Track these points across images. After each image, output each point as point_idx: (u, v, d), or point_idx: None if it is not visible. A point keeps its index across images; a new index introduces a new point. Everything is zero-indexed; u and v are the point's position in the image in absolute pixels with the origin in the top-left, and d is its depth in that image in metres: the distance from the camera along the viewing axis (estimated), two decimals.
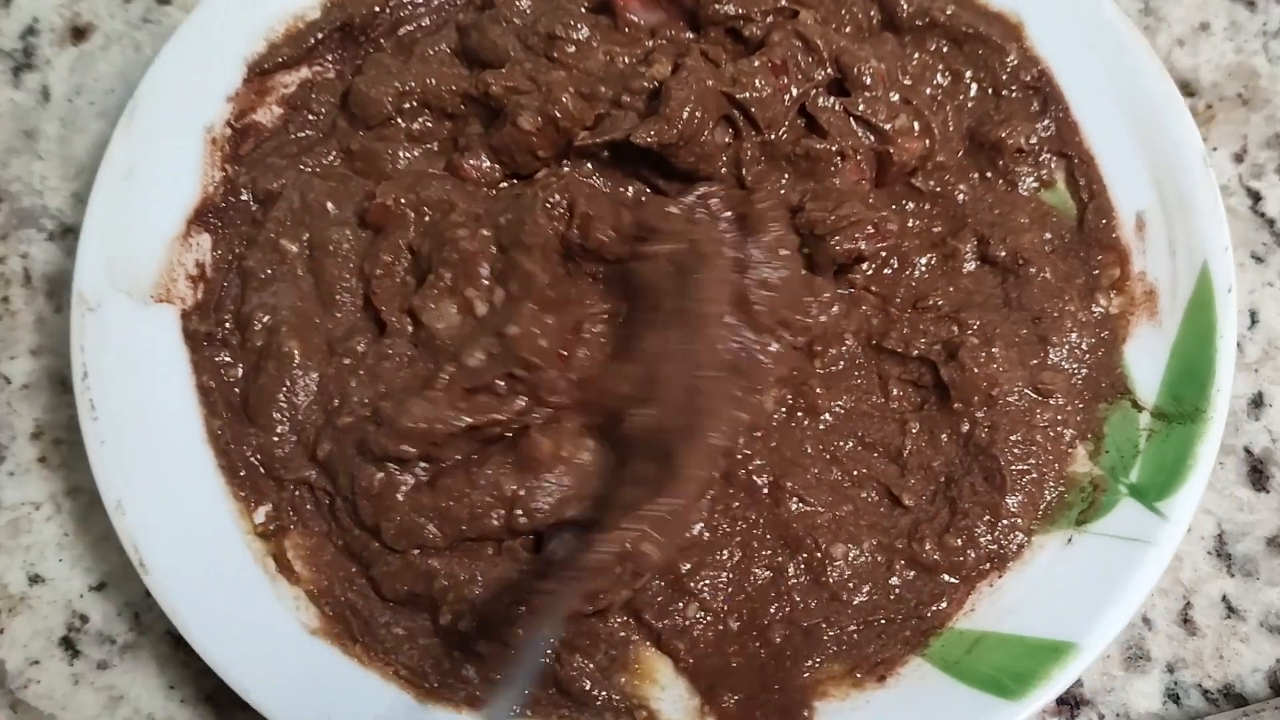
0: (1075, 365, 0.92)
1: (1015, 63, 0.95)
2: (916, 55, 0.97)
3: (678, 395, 0.83)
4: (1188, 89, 1.08)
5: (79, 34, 1.12)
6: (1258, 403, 1.01)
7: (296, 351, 0.92)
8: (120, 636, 0.97)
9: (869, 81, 0.92)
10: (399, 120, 0.97)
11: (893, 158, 0.93)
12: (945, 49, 0.97)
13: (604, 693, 0.88)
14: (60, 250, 1.06)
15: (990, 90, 0.96)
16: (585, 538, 0.81)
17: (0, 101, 1.10)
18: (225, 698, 0.91)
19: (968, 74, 0.96)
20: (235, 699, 0.84)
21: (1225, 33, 1.09)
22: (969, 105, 0.97)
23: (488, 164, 0.95)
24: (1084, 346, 0.92)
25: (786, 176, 0.93)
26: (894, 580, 0.89)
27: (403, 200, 0.93)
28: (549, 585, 0.81)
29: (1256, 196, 1.05)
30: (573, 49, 0.93)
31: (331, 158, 0.98)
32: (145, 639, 0.97)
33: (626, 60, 0.93)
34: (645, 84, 0.91)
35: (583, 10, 0.96)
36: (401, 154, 0.97)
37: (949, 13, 0.96)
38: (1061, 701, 0.94)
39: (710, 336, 0.85)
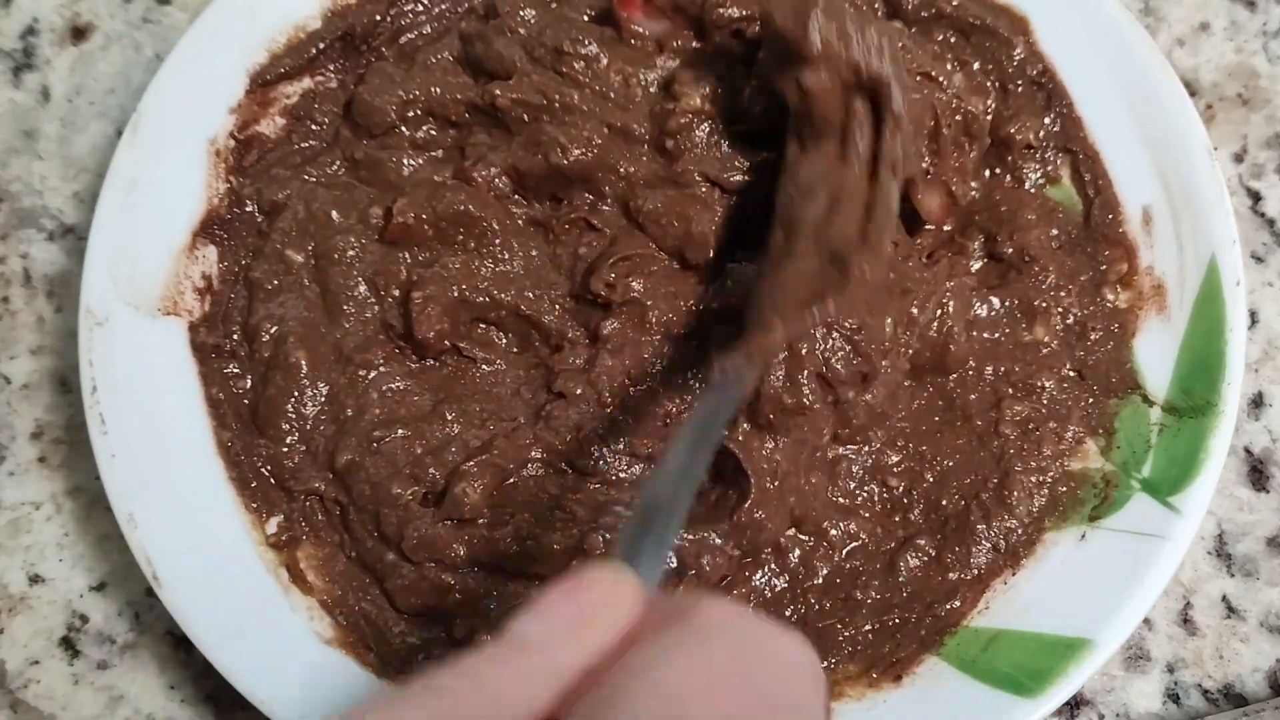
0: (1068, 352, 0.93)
1: (1022, 56, 0.95)
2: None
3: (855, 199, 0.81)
4: (1188, 89, 1.07)
5: (79, 34, 1.12)
6: (1258, 403, 1.01)
7: (304, 362, 0.92)
8: (120, 636, 0.97)
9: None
10: (403, 128, 0.96)
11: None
12: (953, 39, 0.97)
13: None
14: (60, 250, 1.06)
15: (996, 84, 0.96)
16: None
17: (0, 101, 1.10)
18: (225, 698, 0.92)
19: (975, 65, 0.96)
20: (235, 699, 0.84)
21: (1225, 33, 1.09)
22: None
23: (498, 174, 0.95)
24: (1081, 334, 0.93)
25: None
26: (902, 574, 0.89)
27: (423, 216, 0.92)
28: (723, 373, 0.75)
29: (1256, 196, 1.05)
30: (581, 64, 0.93)
31: (335, 167, 0.98)
32: (145, 639, 0.97)
33: (644, 82, 0.93)
34: (681, 120, 0.91)
35: (586, 19, 0.96)
36: (406, 162, 0.97)
37: (955, 3, 0.96)
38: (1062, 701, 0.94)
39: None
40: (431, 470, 0.89)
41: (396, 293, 0.93)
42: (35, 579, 0.99)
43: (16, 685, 0.96)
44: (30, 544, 0.99)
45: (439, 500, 0.89)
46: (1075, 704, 0.94)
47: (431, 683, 0.44)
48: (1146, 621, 0.96)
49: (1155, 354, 0.91)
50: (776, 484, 0.86)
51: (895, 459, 0.92)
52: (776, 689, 0.46)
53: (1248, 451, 0.99)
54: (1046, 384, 0.92)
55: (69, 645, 0.97)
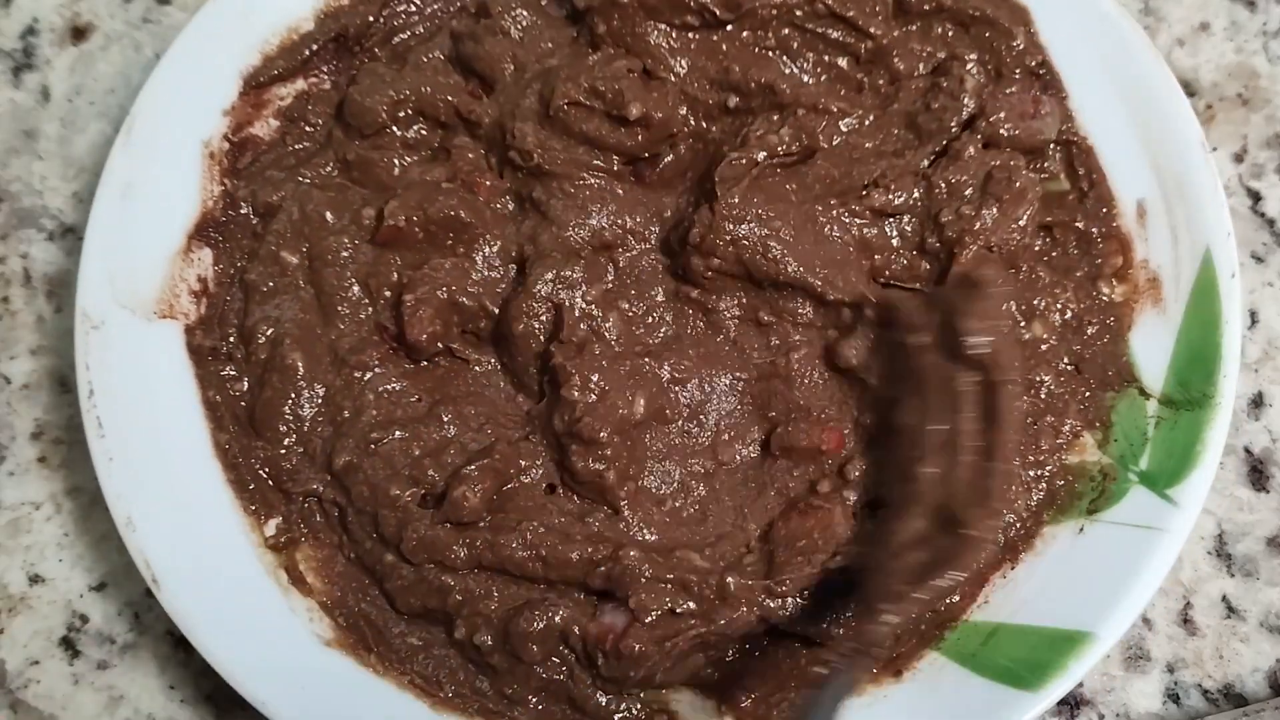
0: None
1: (1021, 47, 0.95)
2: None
3: (971, 464, 0.82)
4: (1188, 89, 1.08)
5: (79, 34, 1.12)
6: (1258, 403, 1.01)
7: (300, 364, 0.92)
8: (120, 636, 0.98)
9: None
10: (394, 129, 0.97)
11: None
12: (951, 33, 0.96)
13: (624, 705, 0.88)
14: (60, 250, 1.06)
15: (993, 73, 0.96)
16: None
17: (0, 101, 1.10)
18: (225, 698, 0.92)
19: (972, 57, 0.95)
20: (235, 699, 0.84)
21: (1225, 33, 1.09)
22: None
23: (498, 180, 0.96)
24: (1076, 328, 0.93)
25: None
26: None
27: (413, 219, 0.92)
28: (834, 661, 0.79)
29: (1256, 196, 1.05)
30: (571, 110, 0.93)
31: (329, 168, 0.98)
32: (145, 639, 0.97)
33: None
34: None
35: (572, 37, 0.97)
36: (397, 162, 0.97)
37: None
38: (1061, 701, 0.94)
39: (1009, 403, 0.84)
40: (431, 472, 0.89)
41: (388, 294, 0.93)
42: (35, 579, 0.99)
43: (16, 685, 0.96)
44: (30, 544, 0.99)
45: (438, 502, 0.89)
46: (1075, 704, 0.94)
47: None
48: (1146, 621, 0.96)
49: (1151, 347, 0.91)
50: None
51: None
52: None
53: (1248, 451, 0.99)
54: (1044, 379, 0.92)
55: (69, 645, 0.97)
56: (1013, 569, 0.89)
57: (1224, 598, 0.97)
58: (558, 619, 0.86)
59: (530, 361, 0.91)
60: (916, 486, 0.82)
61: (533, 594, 0.88)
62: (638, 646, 0.84)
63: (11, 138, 1.09)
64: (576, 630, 0.86)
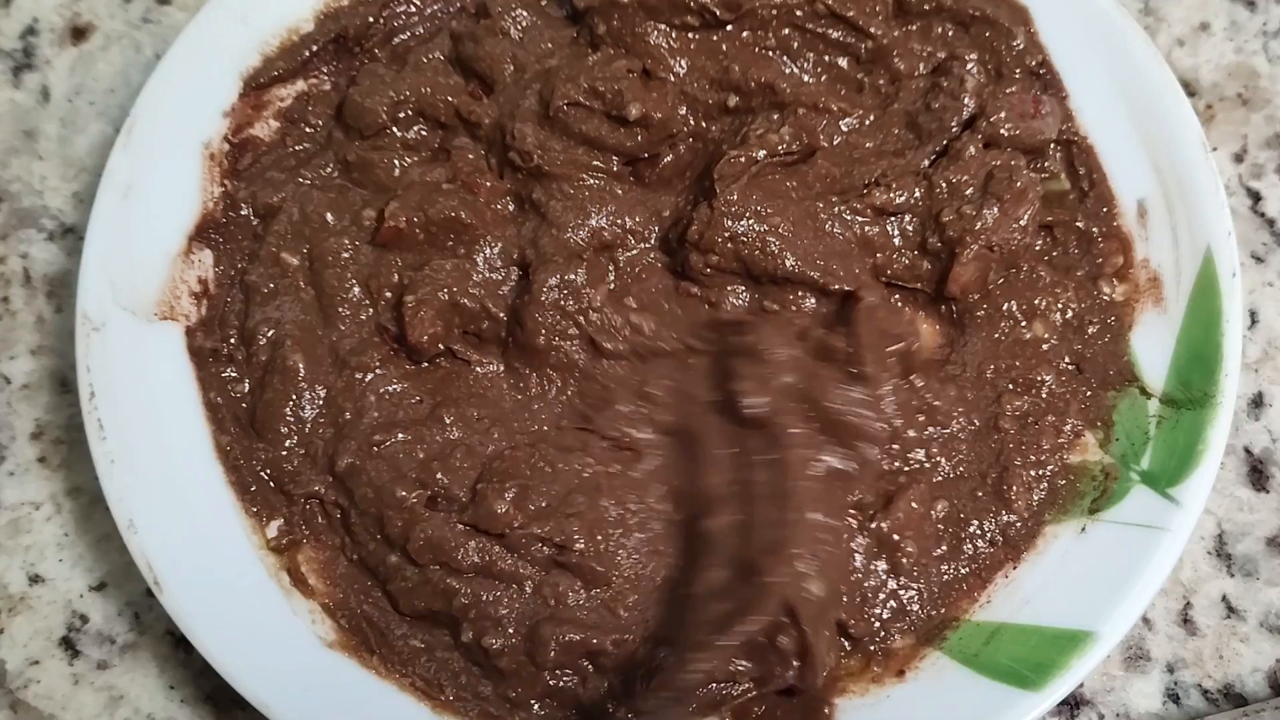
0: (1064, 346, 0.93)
1: (1021, 46, 0.95)
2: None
3: (766, 509, 0.84)
4: (1188, 89, 1.08)
5: (79, 34, 1.12)
6: (1258, 403, 1.01)
7: (301, 365, 0.92)
8: (120, 636, 0.97)
9: None
10: (394, 129, 0.97)
11: None
12: (951, 33, 0.96)
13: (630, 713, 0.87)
14: (60, 250, 1.06)
15: (994, 72, 0.96)
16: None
17: (0, 101, 1.10)
18: (225, 698, 0.92)
19: (972, 56, 0.95)
20: (235, 699, 0.84)
21: (1225, 33, 1.09)
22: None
23: (498, 181, 0.96)
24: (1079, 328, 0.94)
25: None
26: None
27: (414, 220, 0.92)
28: (648, 706, 0.81)
29: (1256, 196, 1.05)
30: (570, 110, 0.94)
31: (329, 170, 0.98)
32: (145, 639, 0.97)
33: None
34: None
35: (572, 37, 0.97)
36: (397, 163, 0.97)
37: None
38: (1061, 701, 0.93)
39: (798, 456, 0.85)
40: (439, 475, 0.88)
41: (389, 295, 0.93)
42: (35, 579, 0.99)
43: (16, 685, 0.96)
44: (30, 544, 0.99)
45: (465, 508, 0.89)
46: (1075, 704, 0.94)
47: None
48: (1146, 621, 0.96)
49: (1152, 346, 0.91)
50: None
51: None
52: None
53: (1248, 451, 1.00)
54: (1045, 378, 0.92)
55: (69, 645, 0.97)
56: (1015, 569, 0.89)
57: (1224, 598, 0.97)
58: (594, 641, 0.86)
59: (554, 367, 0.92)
60: (710, 538, 0.85)
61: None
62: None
63: (11, 138, 1.09)
64: (612, 648, 0.86)
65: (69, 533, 1.00)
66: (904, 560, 0.88)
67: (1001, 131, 0.92)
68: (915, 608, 0.89)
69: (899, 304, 0.94)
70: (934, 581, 0.89)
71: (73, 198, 1.07)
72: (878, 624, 0.88)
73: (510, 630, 0.86)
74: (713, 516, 0.86)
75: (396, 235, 0.92)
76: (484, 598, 0.87)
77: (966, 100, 0.93)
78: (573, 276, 0.90)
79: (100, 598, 0.98)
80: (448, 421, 0.91)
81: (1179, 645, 0.96)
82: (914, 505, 0.89)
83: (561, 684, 0.86)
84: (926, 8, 0.95)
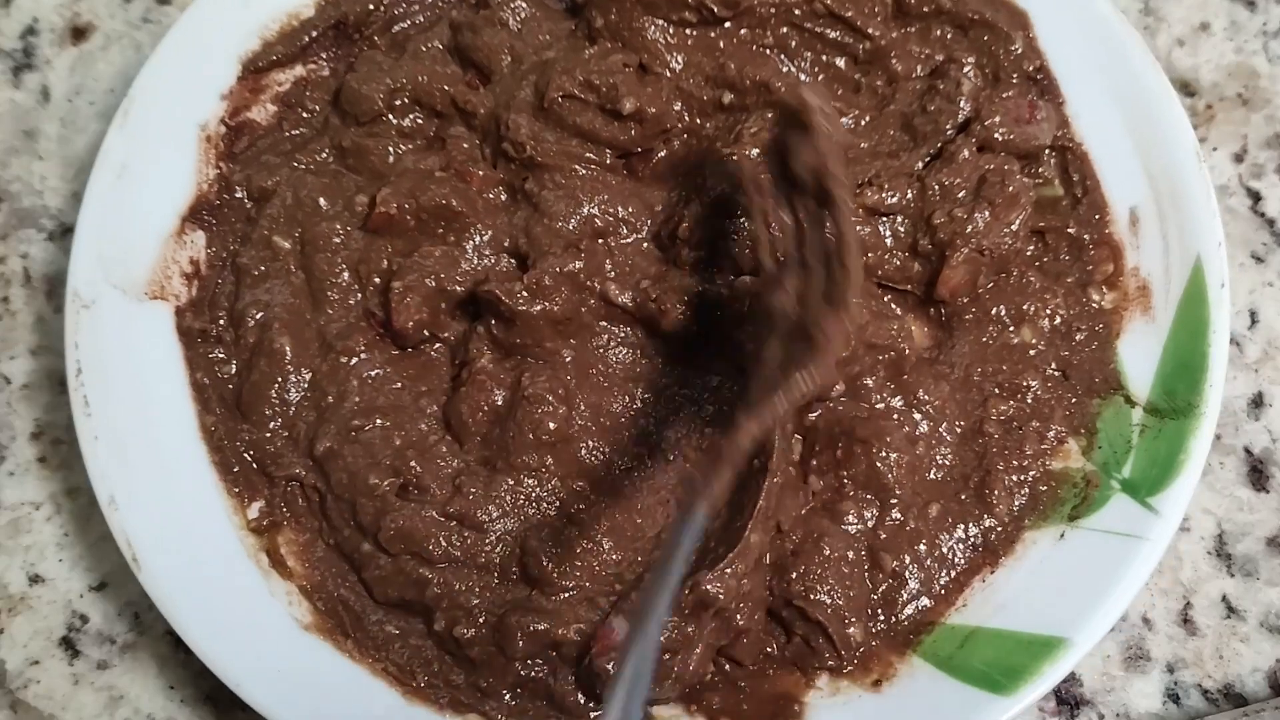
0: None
1: (1019, 51, 0.95)
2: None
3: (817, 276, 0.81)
4: (1188, 89, 1.07)
5: (79, 34, 1.12)
6: (1258, 403, 1.00)
7: (288, 348, 0.92)
8: (120, 636, 0.97)
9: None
10: (390, 117, 0.97)
11: None
12: (950, 36, 0.96)
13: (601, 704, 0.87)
14: (60, 250, 1.06)
15: (990, 77, 0.96)
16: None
17: (0, 101, 1.10)
18: (225, 698, 0.91)
19: (970, 60, 0.96)
20: (235, 699, 0.84)
21: (1225, 33, 1.09)
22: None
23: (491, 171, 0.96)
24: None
25: None
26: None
27: (405, 207, 0.93)
28: (698, 478, 0.76)
29: (1256, 196, 1.05)
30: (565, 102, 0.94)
31: (324, 155, 0.98)
32: (145, 639, 0.97)
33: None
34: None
35: (570, 30, 0.98)
36: (392, 150, 0.97)
37: None
38: (1062, 701, 0.94)
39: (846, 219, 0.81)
40: (413, 464, 0.89)
41: (377, 281, 0.93)
42: (35, 579, 0.99)
43: (16, 685, 0.96)
44: (30, 544, 1.00)
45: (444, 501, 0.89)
46: (1075, 704, 0.94)
47: None
48: (1146, 621, 0.96)
49: (1139, 355, 0.91)
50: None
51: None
52: None
53: (1248, 451, 0.99)
54: (1032, 384, 0.92)
55: (69, 645, 0.97)
56: (992, 573, 0.89)
57: (1224, 598, 0.96)
58: (560, 632, 0.85)
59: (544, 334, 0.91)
60: (771, 317, 0.81)
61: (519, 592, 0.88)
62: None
63: (11, 138, 1.09)
64: (575, 637, 0.85)
65: (69, 533, 1.00)
66: (891, 564, 0.88)
67: (996, 136, 0.92)
68: (893, 609, 0.89)
69: (890, 306, 0.94)
70: (913, 583, 0.89)
71: (72, 198, 1.07)
72: (852, 625, 0.87)
73: (481, 620, 0.86)
74: (771, 293, 0.82)
75: (388, 221, 0.93)
76: (456, 587, 0.87)
77: (963, 104, 0.93)
78: (572, 266, 0.90)
79: (100, 598, 0.98)
80: (428, 412, 0.92)
81: (1179, 645, 0.96)
82: (901, 516, 0.90)
83: (532, 674, 0.86)
84: (926, 10, 0.96)
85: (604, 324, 0.92)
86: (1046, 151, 0.95)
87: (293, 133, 1.00)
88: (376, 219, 0.93)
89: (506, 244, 0.94)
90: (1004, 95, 0.93)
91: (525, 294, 0.88)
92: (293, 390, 0.93)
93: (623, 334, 0.93)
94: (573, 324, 0.91)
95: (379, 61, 0.97)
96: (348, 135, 0.97)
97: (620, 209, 0.94)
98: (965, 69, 0.94)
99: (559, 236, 0.92)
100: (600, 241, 0.93)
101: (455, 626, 0.86)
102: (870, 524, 0.89)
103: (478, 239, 0.94)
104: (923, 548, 0.89)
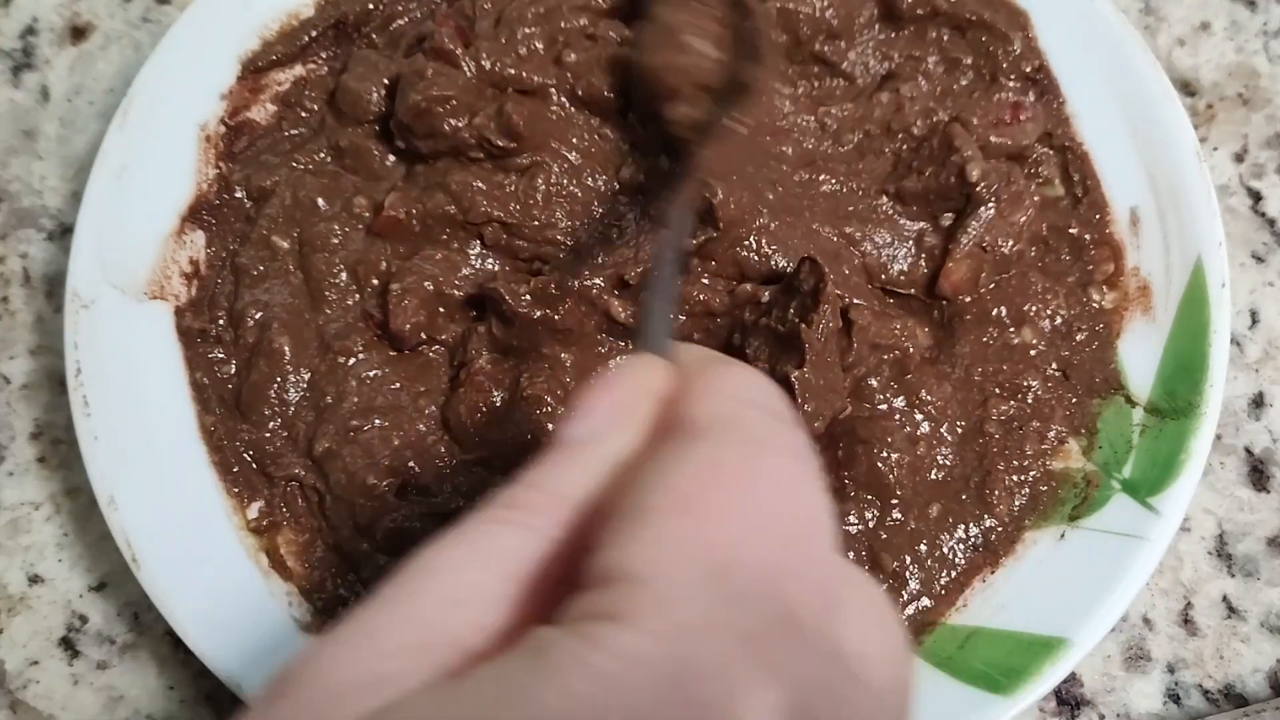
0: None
1: (1018, 51, 0.95)
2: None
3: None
4: (1188, 89, 1.07)
5: (79, 34, 1.12)
6: (1258, 403, 1.00)
7: (287, 348, 0.92)
8: (120, 636, 0.97)
9: None
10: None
11: None
12: (946, 37, 0.96)
13: None
14: (60, 250, 1.06)
15: (987, 78, 0.96)
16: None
17: (0, 101, 1.10)
18: (225, 698, 0.91)
19: (967, 60, 0.95)
20: (235, 699, 0.84)
21: (1226, 32, 1.09)
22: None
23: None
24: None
25: None
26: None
27: (412, 212, 0.93)
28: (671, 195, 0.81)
29: (1257, 196, 1.05)
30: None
31: (322, 155, 0.98)
32: (145, 639, 0.97)
33: None
34: None
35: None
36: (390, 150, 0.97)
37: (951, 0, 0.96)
38: (1062, 701, 0.94)
39: None
40: (412, 464, 0.89)
41: (376, 282, 0.93)
42: (35, 579, 0.99)
43: (16, 685, 0.96)
44: (30, 544, 0.99)
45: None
46: (1075, 704, 0.94)
47: (507, 498, 0.46)
48: (1147, 621, 0.96)
49: (1139, 355, 0.91)
50: None
51: None
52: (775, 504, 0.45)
53: (1248, 451, 0.99)
54: (1032, 384, 0.92)
55: (69, 645, 0.97)
56: (992, 573, 0.89)
57: (1224, 598, 0.96)
58: None
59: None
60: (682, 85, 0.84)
61: None
62: None
63: (11, 137, 1.09)
64: None
65: (69, 533, 1.00)
66: (891, 564, 0.88)
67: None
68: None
69: (893, 306, 0.94)
70: (913, 584, 0.89)
71: (72, 198, 1.07)
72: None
73: None
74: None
75: (394, 225, 0.93)
76: None
77: (917, 124, 0.94)
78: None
79: (100, 598, 0.98)
80: (426, 412, 0.92)
81: (1179, 645, 0.95)
82: (901, 517, 0.90)
83: None
84: (920, 12, 0.96)
85: (604, 335, 0.92)
86: (1048, 152, 0.95)
87: (291, 132, 1.00)
88: (382, 222, 0.93)
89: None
90: (989, 100, 0.94)
91: (529, 298, 0.88)
92: (292, 390, 0.93)
93: (624, 345, 0.93)
94: (574, 334, 0.91)
95: (374, 61, 0.97)
96: (344, 135, 0.97)
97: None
98: (919, 81, 0.95)
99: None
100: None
101: None
102: (871, 524, 0.89)
103: (479, 246, 0.94)
104: (923, 548, 0.89)
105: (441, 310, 0.92)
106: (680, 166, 0.83)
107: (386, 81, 0.96)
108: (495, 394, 0.90)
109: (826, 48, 0.95)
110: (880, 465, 0.88)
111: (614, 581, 0.41)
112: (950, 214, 0.92)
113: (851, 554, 0.88)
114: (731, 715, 0.38)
